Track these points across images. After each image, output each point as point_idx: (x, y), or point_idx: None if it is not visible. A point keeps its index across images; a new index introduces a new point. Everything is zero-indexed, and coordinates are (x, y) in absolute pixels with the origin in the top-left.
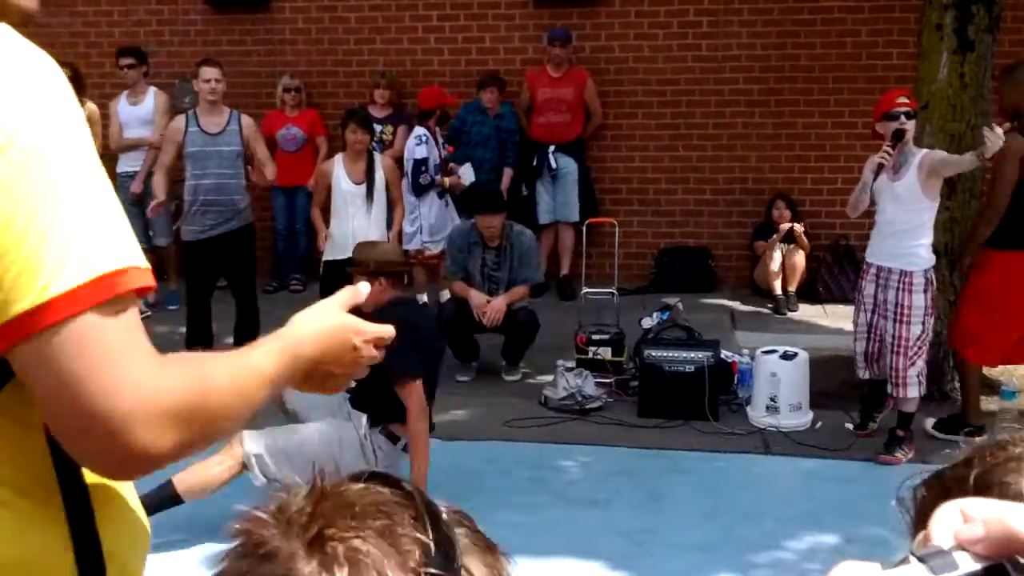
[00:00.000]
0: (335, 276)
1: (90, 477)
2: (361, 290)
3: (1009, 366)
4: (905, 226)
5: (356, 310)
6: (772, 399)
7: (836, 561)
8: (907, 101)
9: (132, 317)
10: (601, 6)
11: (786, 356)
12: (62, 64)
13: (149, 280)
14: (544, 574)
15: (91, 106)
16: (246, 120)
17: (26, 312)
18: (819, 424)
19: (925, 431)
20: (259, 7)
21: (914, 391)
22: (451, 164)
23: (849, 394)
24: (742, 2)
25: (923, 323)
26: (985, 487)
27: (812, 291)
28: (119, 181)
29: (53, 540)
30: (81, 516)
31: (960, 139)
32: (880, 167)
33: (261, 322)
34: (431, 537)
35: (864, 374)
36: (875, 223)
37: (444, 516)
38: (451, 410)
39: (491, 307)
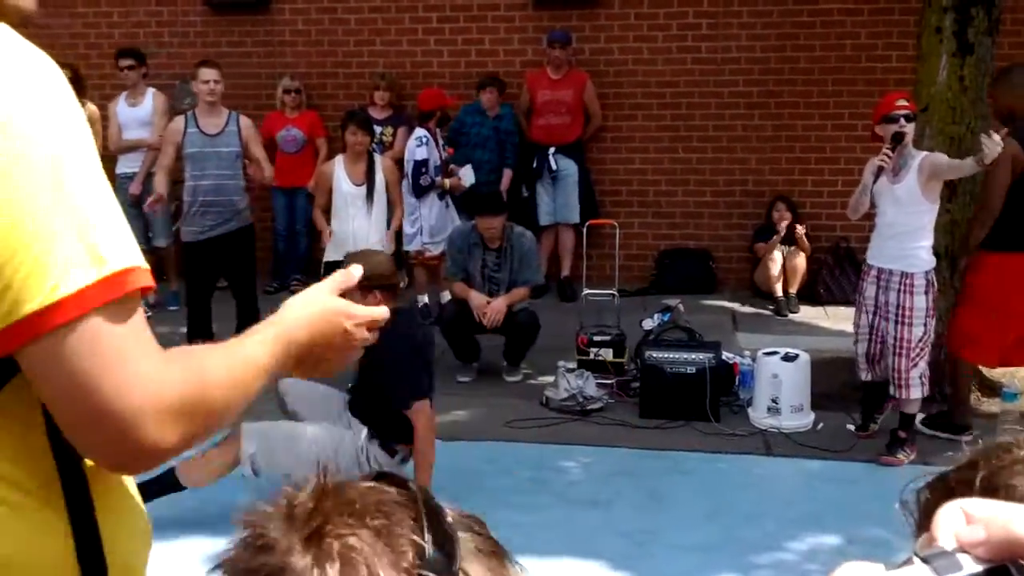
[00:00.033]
0: None
1: (91, 475)
2: (353, 273)
3: (1011, 368)
4: (905, 228)
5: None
6: (773, 400)
7: (837, 562)
8: (906, 104)
9: (139, 315)
10: (600, 8)
11: (787, 358)
12: (62, 65)
13: (150, 280)
14: (545, 574)
15: (91, 107)
16: (244, 121)
17: (36, 312)
18: (820, 425)
19: (916, 428)
20: (259, 9)
21: (917, 392)
22: (451, 165)
23: (850, 395)
24: (741, 4)
25: (925, 324)
26: (992, 490)
27: (813, 293)
28: (118, 182)
29: (55, 538)
30: (82, 514)
31: (960, 142)
32: (880, 170)
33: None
34: (428, 539)
35: (865, 376)
36: (875, 225)
37: (449, 519)
38: (452, 410)
39: (491, 308)
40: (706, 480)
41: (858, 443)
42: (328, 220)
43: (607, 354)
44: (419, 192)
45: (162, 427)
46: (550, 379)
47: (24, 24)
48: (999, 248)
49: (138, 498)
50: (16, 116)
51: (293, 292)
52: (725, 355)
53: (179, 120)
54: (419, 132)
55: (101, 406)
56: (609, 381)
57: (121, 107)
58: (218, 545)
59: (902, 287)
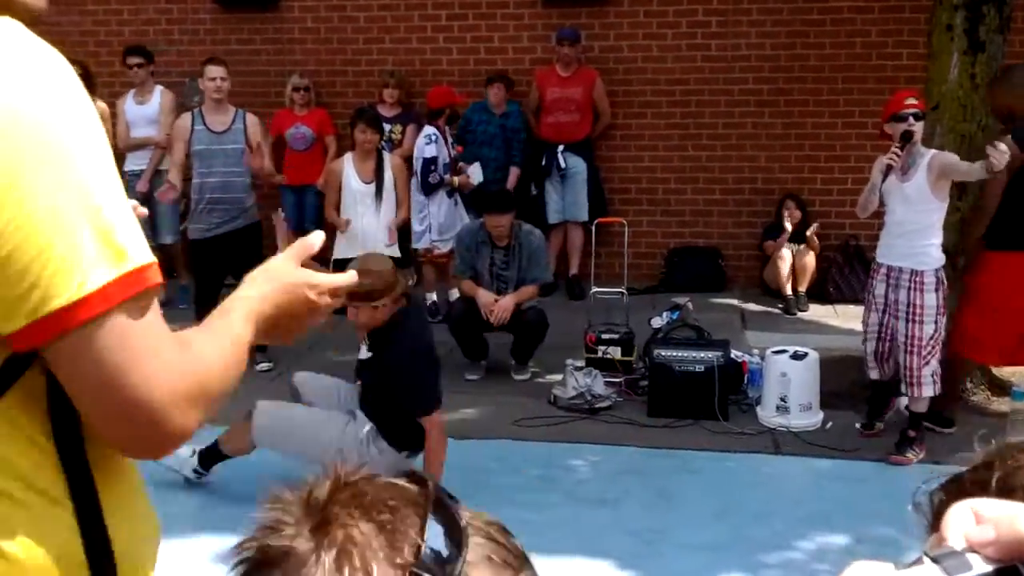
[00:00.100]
0: None
1: (99, 474)
2: (314, 241)
3: (1020, 367)
4: (915, 226)
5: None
6: (782, 399)
7: (846, 561)
8: (916, 102)
9: (157, 308)
10: (610, 6)
11: (796, 356)
12: (72, 62)
13: (160, 276)
14: (553, 573)
15: (101, 104)
16: (251, 118)
17: (63, 308)
18: (829, 424)
19: (903, 412)
20: (268, 6)
21: (928, 390)
22: (460, 163)
23: (860, 394)
24: (751, 2)
25: (935, 322)
26: (1008, 490)
27: (822, 291)
28: (127, 180)
29: (64, 536)
30: (91, 514)
31: (971, 140)
32: (889, 168)
33: None
34: (428, 538)
35: (874, 374)
36: (884, 224)
37: (463, 523)
38: (460, 409)
39: (498, 306)
40: (715, 479)
41: (867, 442)
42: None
43: (615, 352)
44: (428, 190)
45: (185, 414)
46: (558, 377)
47: (35, 22)
48: (1000, 247)
49: (147, 498)
50: (32, 112)
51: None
52: (734, 354)
53: (186, 117)
54: (428, 130)
55: (133, 397)
56: (617, 379)
57: (129, 105)
58: (226, 544)
59: (912, 285)
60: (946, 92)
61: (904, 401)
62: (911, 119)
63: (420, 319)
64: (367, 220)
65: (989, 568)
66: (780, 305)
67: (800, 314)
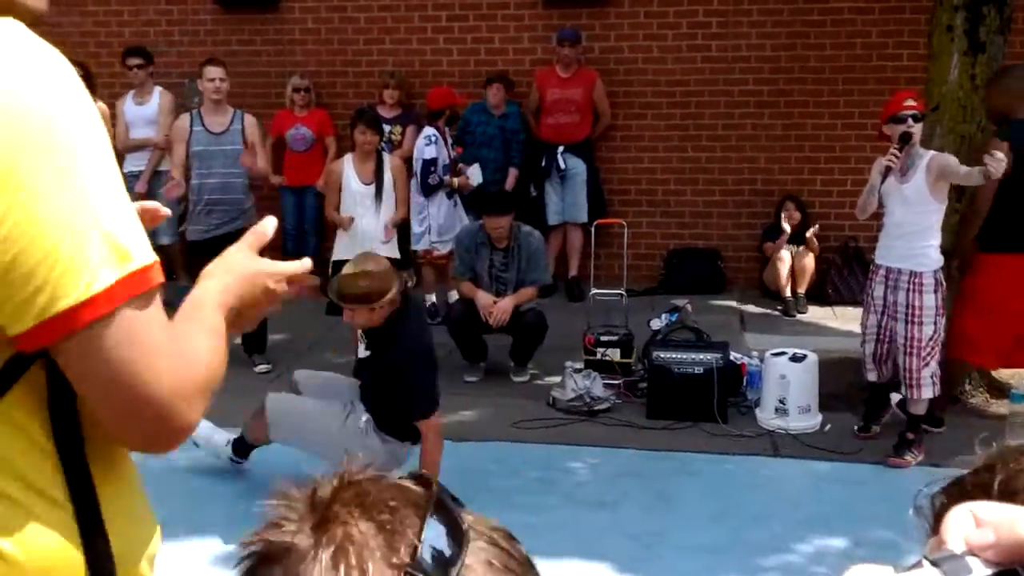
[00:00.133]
0: None
1: (98, 476)
2: (267, 230)
3: (1020, 369)
4: (914, 228)
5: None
6: (781, 401)
7: (845, 565)
8: (915, 104)
9: (160, 306)
10: (610, 7)
11: (795, 358)
12: (73, 63)
13: (162, 275)
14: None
15: (101, 105)
16: (249, 119)
17: (71, 308)
18: (828, 427)
19: (896, 412)
20: (268, 7)
21: (928, 392)
22: (460, 164)
23: (859, 396)
24: (752, 3)
25: (935, 323)
26: (1010, 493)
27: (822, 293)
28: (126, 181)
29: (64, 539)
30: (91, 515)
31: (971, 140)
32: (888, 170)
33: (269, 321)
34: (424, 540)
35: (872, 376)
36: (883, 225)
37: (464, 526)
38: (459, 411)
39: (497, 308)
40: (713, 481)
41: (866, 444)
42: (335, 220)
43: (614, 354)
44: (427, 191)
45: (191, 407)
46: (557, 379)
47: (36, 23)
48: (994, 249)
49: (145, 501)
50: (37, 112)
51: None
52: (733, 356)
53: (184, 118)
54: (428, 131)
55: (144, 394)
56: (616, 381)
57: (128, 105)
58: (224, 546)
59: (911, 286)
60: (946, 93)
61: (896, 398)
62: (910, 120)
63: (418, 319)
64: (367, 221)
65: (989, 572)
66: (779, 307)
67: (799, 316)
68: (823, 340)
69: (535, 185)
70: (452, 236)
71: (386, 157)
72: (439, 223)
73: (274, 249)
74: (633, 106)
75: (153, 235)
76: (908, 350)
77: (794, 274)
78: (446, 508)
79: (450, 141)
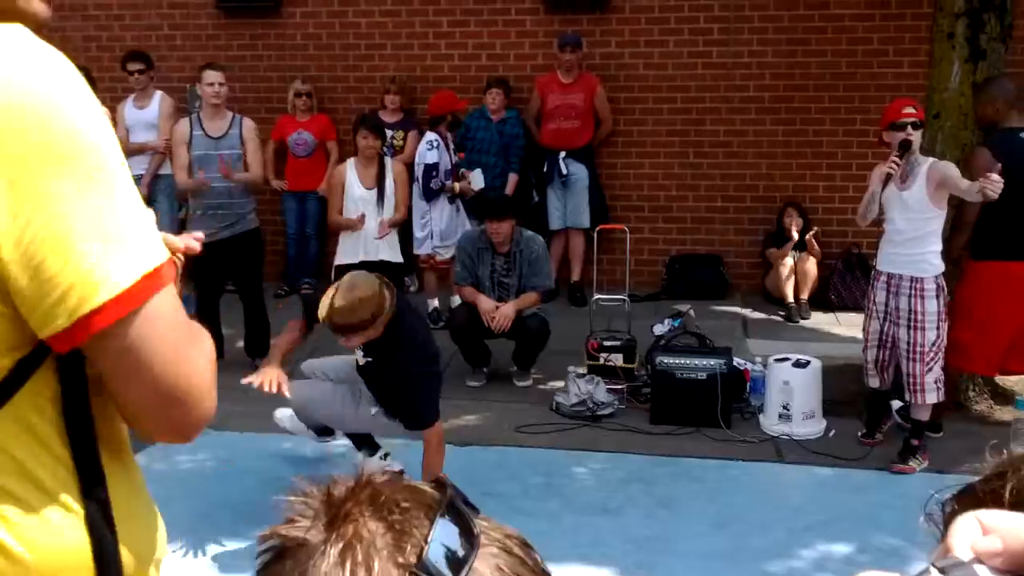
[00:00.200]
0: None
1: (110, 477)
2: (192, 245)
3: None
4: (915, 234)
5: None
6: (785, 407)
7: (849, 571)
8: (914, 111)
9: (178, 301)
10: (611, 12)
11: (799, 364)
12: (76, 68)
13: (174, 271)
14: None
15: (103, 109)
16: (247, 123)
17: (99, 308)
18: (832, 432)
19: (897, 418)
20: (270, 12)
21: (932, 397)
22: (462, 169)
23: (863, 402)
24: (753, 9)
25: (937, 328)
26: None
27: (824, 299)
28: None
29: (74, 540)
30: (102, 518)
31: (971, 148)
32: (888, 177)
33: (270, 324)
34: (432, 541)
35: (874, 382)
36: (885, 231)
37: (476, 531)
38: (462, 415)
39: (499, 313)
40: (717, 487)
41: (870, 451)
42: (341, 224)
43: (617, 359)
44: (429, 196)
45: (212, 396)
46: (560, 384)
47: (40, 28)
48: (983, 257)
49: (151, 499)
50: (57, 117)
51: (303, 295)
52: (736, 361)
53: (184, 122)
54: (429, 136)
55: (173, 386)
56: (620, 387)
57: (128, 109)
58: (229, 547)
59: (913, 292)
60: (947, 100)
61: (896, 404)
62: (909, 128)
63: (414, 319)
64: (369, 226)
65: None
66: (782, 313)
67: (802, 322)
68: (826, 346)
69: (537, 191)
70: (454, 241)
71: (388, 162)
72: (441, 228)
73: (275, 253)
74: (634, 112)
75: None
76: (911, 356)
77: (797, 279)
78: (458, 511)
79: (451, 146)
